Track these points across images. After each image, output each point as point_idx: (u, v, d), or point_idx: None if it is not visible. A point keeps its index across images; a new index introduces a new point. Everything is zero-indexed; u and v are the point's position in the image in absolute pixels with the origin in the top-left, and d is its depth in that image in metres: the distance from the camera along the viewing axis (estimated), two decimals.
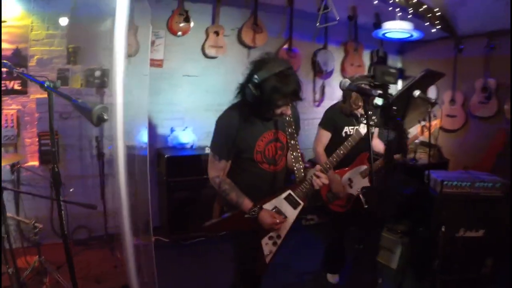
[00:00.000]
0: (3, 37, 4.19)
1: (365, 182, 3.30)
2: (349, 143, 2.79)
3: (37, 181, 4.18)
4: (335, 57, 5.61)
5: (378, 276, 3.47)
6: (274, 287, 2.59)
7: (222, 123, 2.34)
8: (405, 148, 3.84)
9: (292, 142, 2.39)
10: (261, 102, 2.14)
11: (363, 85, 2.56)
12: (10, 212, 3.35)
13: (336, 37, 5.53)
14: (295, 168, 2.36)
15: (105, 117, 1.72)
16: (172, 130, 4.85)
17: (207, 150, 4.68)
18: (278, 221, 2.28)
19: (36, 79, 2.08)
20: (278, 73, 2.09)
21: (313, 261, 3.83)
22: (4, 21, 4.12)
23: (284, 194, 2.38)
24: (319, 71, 5.54)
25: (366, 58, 5.88)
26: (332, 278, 3.62)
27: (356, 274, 3.64)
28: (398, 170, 4.00)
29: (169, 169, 4.44)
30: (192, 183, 4.54)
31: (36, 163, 4.22)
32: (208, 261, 4.13)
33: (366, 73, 5.64)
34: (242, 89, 2.25)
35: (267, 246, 2.38)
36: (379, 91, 1.96)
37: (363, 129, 2.91)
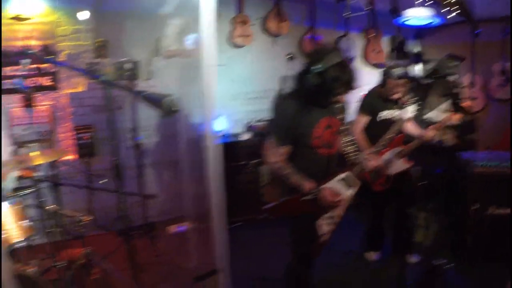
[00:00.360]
0: (31, 33, 4.21)
1: (401, 163, 3.42)
2: (396, 128, 2.90)
3: (72, 175, 4.25)
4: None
5: (413, 253, 3.64)
6: (318, 267, 2.70)
7: (281, 111, 2.45)
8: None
9: (344, 127, 2.52)
10: (321, 90, 2.27)
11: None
12: (54, 206, 3.39)
13: (356, 24, 5.58)
14: (347, 152, 2.51)
15: (175, 108, 1.70)
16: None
17: (240, 137, 4.83)
18: (338, 198, 2.40)
19: (93, 74, 2.12)
20: (338, 63, 2.23)
21: (354, 241, 3.92)
22: (30, 18, 4.14)
23: (340, 176, 2.50)
24: None
25: (384, 44, 5.95)
26: (372, 255, 3.76)
27: (394, 251, 3.74)
28: (427, 151, 4.10)
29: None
30: (228, 170, 4.57)
31: (71, 157, 4.27)
32: (251, 245, 4.20)
33: (386, 59, 5.73)
34: (300, 78, 2.36)
35: (324, 226, 2.49)
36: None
37: (405, 113, 3.01)
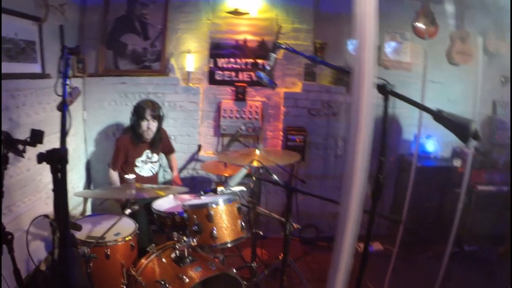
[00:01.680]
0: (248, 28, 4.27)
1: None
2: None
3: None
4: None
5: None
6: None
7: None
8: None
9: None
10: None
11: None
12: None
13: None
14: None
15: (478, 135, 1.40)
16: (415, 137, 4.38)
17: (455, 163, 4.16)
18: None
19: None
20: None
21: None
22: (247, 13, 4.18)
23: None
24: None
25: None
26: None
27: None
28: None
29: (416, 177, 3.95)
30: (430, 195, 4.10)
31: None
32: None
33: None
34: None
35: None
36: None
37: None
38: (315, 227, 4.30)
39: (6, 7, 3.06)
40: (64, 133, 1.71)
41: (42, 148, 1.77)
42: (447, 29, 4.37)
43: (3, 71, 3.01)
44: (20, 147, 2.22)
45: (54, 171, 1.63)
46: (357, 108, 1.43)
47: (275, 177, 2.52)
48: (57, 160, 1.63)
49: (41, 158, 1.64)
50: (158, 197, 3.05)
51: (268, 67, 2.73)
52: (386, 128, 2.03)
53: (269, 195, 4.17)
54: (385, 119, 2.01)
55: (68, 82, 1.83)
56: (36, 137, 2.21)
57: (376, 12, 1.56)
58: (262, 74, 2.69)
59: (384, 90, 1.90)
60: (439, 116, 1.52)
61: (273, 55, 2.68)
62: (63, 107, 1.75)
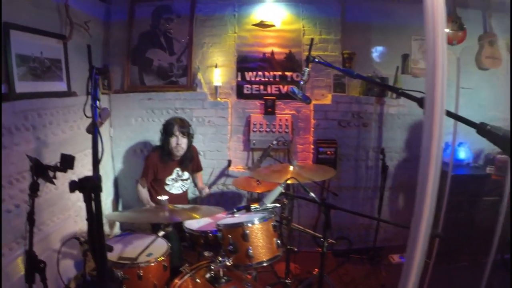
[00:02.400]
0: (275, 40, 4.23)
1: None
2: None
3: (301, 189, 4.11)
4: None
5: None
6: None
7: None
8: None
9: None
10: None
11: None
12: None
13: None
14: None
15: None
16: (447, 145, 4.31)
17: (488, 170, 4.10)
18: None
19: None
20: None
21: None
22: (273, 25, 4.14)
23: None
24: None
25: None
26: None
27: None
28: None
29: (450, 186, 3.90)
30: (463, 203, 4.01)
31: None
32: None
33: None
34: None
35: None
36: None
37: None
38: (347, 239, 4.25)
39: (32, 26, 3.06)
40: (96, 159, 1.62)
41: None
42: (475, 33, 4.30)
43: (29, 90, 3.02)
44: (51, 173, 2.17)
45: (87, 200, 1.54)
46: (429, 134, 1.38)
47: (312, 194, 2.46)
48: (90, 188, 1.54)
49: (73, 186, 1.55)
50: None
51: (302, 82, 2.68)
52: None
53: (300, 209, 4.12)
54: None
55: (98, 103, 1.76)
56: (67, 162, 2.16)
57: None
58: (296, 89, 2.63)
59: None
60: (483, 130, 1.46)
61: (307, 69, 2.63)
62: (94, 130, 1.67)
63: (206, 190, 3.79)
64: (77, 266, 3.34)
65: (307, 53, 4.10)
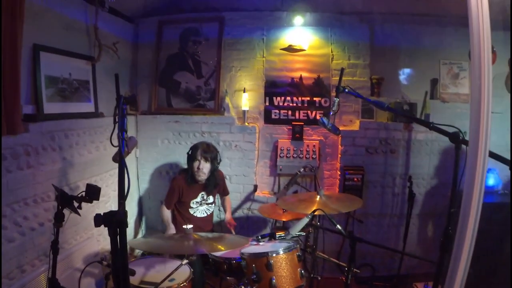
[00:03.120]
0: (303, 65, 4.22)
1: None
2: None
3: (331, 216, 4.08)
4: None
5: None
6: None
7: None
8: None
9: None
10: None
11: None
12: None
13: None
14: None
15: None
16: None
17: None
18: None
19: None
20: None
21: None
22: (302, 49, 4.12)
23: None
24: None
25: None
26: None
27: None
28: None
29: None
30: (493, 232, 3.84)
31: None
32: None
33: None
34: None
35: None
36: None
37: None
38: (370, 266, 4.23)
39: (61, 48, 3.10)
40: (122, 192, 1.57)
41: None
42: (505, 56, 4.24)
43: (57, 111, 3.05)
44: (75, 203, 2.15)
45: (112, 235, 1.52)
46: (472, 172, 1.37)
47: (338, 226, 2.43)
48: (115, 223, 1.51)
49: (98, 221, 1.53)
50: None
51: (331, 113, 2.66)
52: (457, 180, 1.91)
53: (325, 235, 4.09)
54: (456, 169, 1.89)
55: (125, 134, 1.71)
56: (93, 193, 2.14)
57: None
58: (325, 120, 2.62)
59: (457, 139, 1.84)
60: None
61: (336, 100, 2.61)
62: (120, 161, 1.63)
63: (232, 226, 3.75)
64: (98, 284, 3.35)
65: (336, 78, 4.15)
